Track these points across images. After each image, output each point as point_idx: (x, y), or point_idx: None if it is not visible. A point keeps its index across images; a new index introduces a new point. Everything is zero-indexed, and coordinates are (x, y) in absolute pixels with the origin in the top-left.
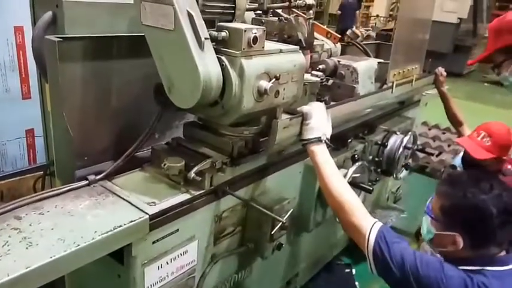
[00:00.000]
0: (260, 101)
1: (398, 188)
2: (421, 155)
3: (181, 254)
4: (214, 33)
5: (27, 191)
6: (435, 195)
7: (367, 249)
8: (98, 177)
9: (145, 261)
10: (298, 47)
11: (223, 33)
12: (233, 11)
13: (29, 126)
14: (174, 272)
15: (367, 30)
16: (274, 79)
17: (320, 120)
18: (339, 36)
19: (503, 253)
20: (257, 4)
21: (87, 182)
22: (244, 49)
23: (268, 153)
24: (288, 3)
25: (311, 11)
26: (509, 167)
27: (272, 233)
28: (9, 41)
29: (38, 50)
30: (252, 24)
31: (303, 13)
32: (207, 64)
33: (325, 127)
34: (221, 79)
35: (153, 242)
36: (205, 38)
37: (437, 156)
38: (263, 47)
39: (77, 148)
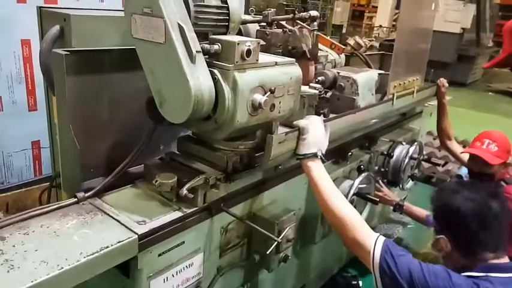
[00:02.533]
0: (255, 115)
1: (405, 198)
2: (426, 165)
3: (186, 267)
4: (207, 46)
5: (32, 203)
6: None
7: (372, 265)
8: (87, 194)
9: (151, 274)
10: (294, 59)
11: (216, 46)
12: (227, 24)
13: (35, 138)
14: (179, 284)
15: (370, 41)
16: (269, 92)
17: (317, 135)
18: (343, 47)
19: (507, 260)
20: (261, 16)
21: (75, 199)
22: (237, 62)
23: (264, 168)
24: (292, 15)
25: (315, 23)
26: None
27: (268, 252)
28: (17, 54)
29: (45, 63)
30: (256, 36)
31: (307, 25)
32: (199, 78)
33: (322, 142)
34: (213, 93)
35: (159, 255)
36: (197, 51)
37: (443, 166)
38: (257, 60)
39: (83, 160)
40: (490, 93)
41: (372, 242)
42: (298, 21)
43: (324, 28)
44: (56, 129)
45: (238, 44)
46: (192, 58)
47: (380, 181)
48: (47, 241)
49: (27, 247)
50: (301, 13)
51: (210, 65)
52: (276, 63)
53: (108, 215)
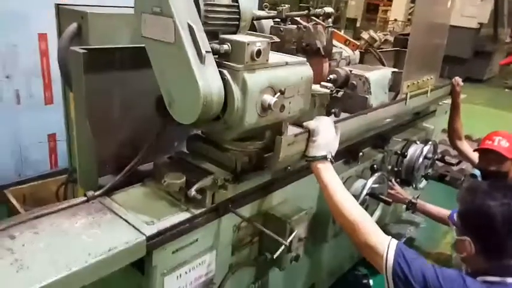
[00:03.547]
0: (264, 116)
1: (417, 197)
2: (440, 163)
3: (199, 264)
4: (216, 46)
5: (48, 195)
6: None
7: (385, 269)
8: (97, 193)
9: (165, 271)
10: (305, 58)
11: (226, 46)
12: (237, 22)
13: (51, 131)
14: (192, 281)
15: (385, 35)
16: (279, 93)
17: (327, 137)
18: (357, 43)
19: None
20: (275, 12)
21: (85, 198)
22: (247, 63)
23: (273, 170)
24: (306, 11)
25: (330, 20)
26: None
27: (275, 256)
28: (34, 48)
29: (63, 60)
30: (270, 32)
31: (321, 21)
32: (208, 78)
33: (332, 144)
34: (222, 94)
35: (173, 252)
36: (207, 52)
37: (457, 165)
38: (267, 60)
39: (99, 156)
40: (506, 90)
41: (385, 245)
42: (313, 17)
43: (338, 22)
44: (73, 125)
45: (248, 44)
46: (201, 58)
47: (393, 180)
48: (56, 241)
49: (36, 247)
50: (316, 9)
51: (219, 65)
52: (287, 63)
53: (117, 214)
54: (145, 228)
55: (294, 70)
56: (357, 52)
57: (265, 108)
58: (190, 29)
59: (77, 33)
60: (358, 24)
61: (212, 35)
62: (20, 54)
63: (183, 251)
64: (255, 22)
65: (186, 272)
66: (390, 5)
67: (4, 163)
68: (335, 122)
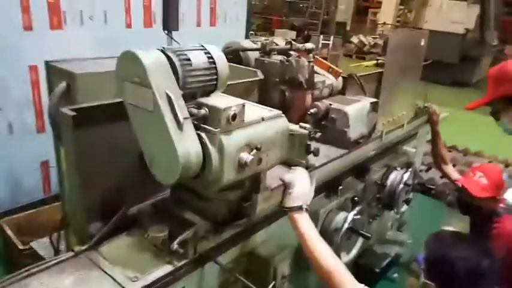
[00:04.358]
0: (242, 171)
1: (400, 216)
2: (426, 176)
3: None
4: (194, 110)
5: (44, 222)
6: None
7: None
8: (83, 247)
9: None
10: (281, 111)
11: (203, 111)
12: (215, 82)
13: (43, 158)
14: None
15: (374, 38)
16: (255, 150)
17: (302, 188)
18: (340, 71)
19: None
20: (260, 44)
21: (73, 253)
22: (223, 126)
23: (252, 220)
24: (289, 45)
25: (311, 55)
26: (501, 205)
27: None
28: (25, 79)
29: (53, 118)
30: (254, 65)
31: (305, 51)
32: (186, 143)
33: (307, 195)
34: (201, 156)
35: None
36: (185, 118)
37: (441, 178)
38: (243, 120)
39: (90, 205)
40: None
41: None
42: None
43: (327, 26)
44: (65, 177)
45: (223, 110)
46: (179, 126)
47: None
48: None
49: None
50: (298, 45)
51: (197, 127)
52: (263, 119)
53: (103, 270)
54: (129, 284)
55: (269, 125)
56: (340, 79)
57: (242, 165)
58: (169, 99)
59: (66, 92)
60: (348, 28)
61: (191, 96)
62: (12, 85)
63: None
64: (241, 53)
65: None
66: (379, 7)
67: None
68: (311, 170)
